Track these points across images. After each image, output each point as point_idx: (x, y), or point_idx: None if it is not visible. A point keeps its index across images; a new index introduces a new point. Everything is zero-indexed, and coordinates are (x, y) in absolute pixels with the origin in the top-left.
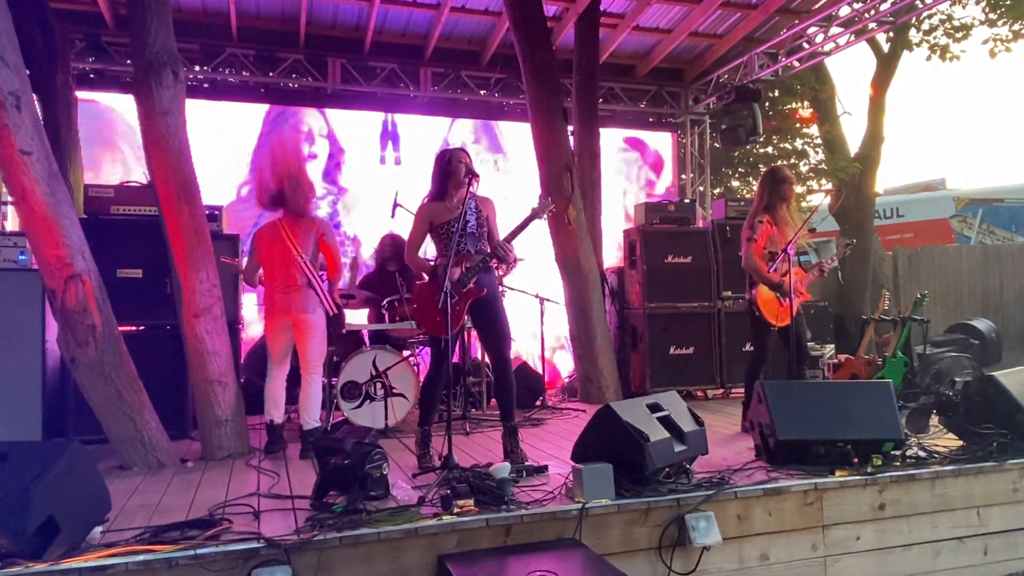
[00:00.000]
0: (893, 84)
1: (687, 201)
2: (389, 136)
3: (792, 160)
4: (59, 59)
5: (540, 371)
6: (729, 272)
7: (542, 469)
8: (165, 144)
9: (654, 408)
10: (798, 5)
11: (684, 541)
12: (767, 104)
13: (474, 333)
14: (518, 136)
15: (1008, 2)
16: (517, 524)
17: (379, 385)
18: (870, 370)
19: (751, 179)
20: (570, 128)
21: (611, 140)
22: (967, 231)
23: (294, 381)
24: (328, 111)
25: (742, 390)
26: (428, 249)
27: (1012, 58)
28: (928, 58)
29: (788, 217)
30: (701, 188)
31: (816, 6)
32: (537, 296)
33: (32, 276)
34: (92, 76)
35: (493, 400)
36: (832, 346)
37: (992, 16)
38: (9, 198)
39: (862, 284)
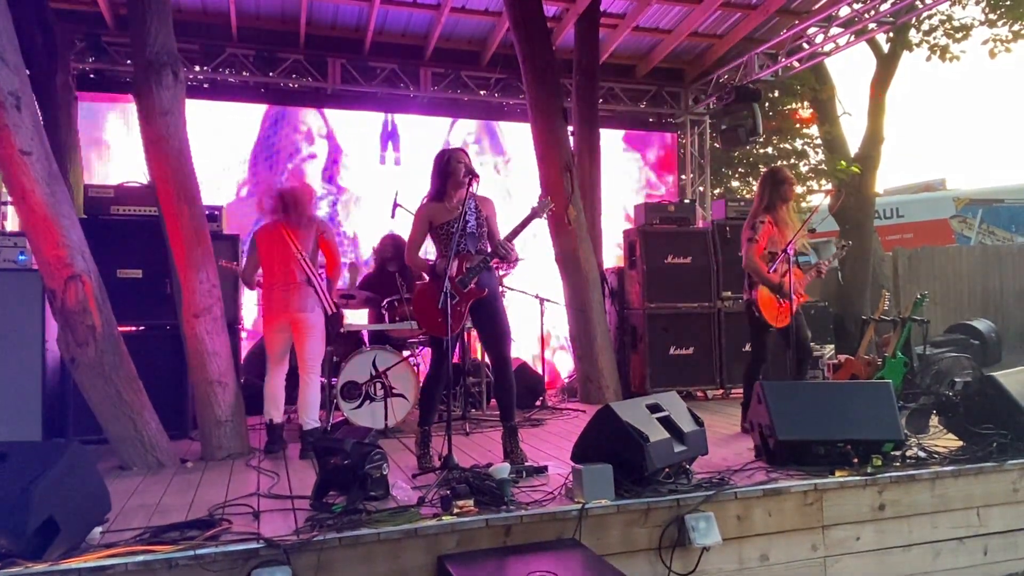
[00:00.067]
0: (893, 84)
1: (687, 201)
2: (389, 136)
3: (792, 160)
4: (59, 59)
5: (540, 371)
6: (729, 272)
7: (542, 469)
8: (165, 144)
9: (654, 408)
10: (798, 5)
11: (684, 542)
12: (767, 104)
13: (474, 333)
14: (519, 136)
15: (1008, 2)
16: (517, 524)
17: (379, 385)
18: (870, 370)
19: (751, 179)
20: (570, 128)
21: (611, 140)
22: (967, 231)
23: (294, 381)
24: (327, 111)
25: (742, 390)
26: (428, 249)
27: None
28: (928, 58)
29: (788, 218)
30: (701, 188)
31: (816, 6)
32: (537, 296)
33: (32, 276)
34: (92, 76)
35: (493, 400)
36: (832, 346)
37: (992, 16)
38: (9, 198)
39: (862, 284)
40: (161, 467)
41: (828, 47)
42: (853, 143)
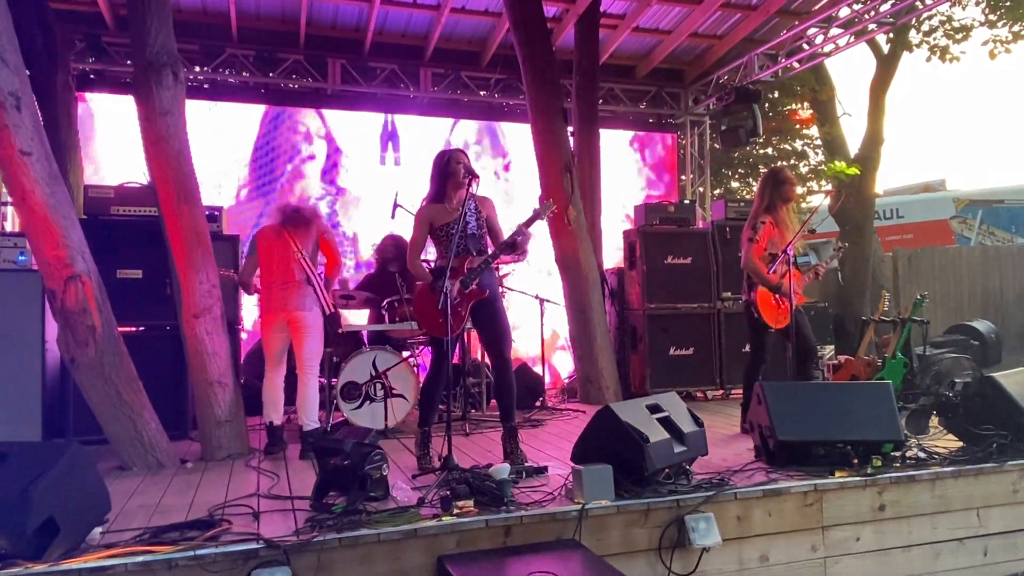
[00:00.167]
0: (893, 85)
1: (687, 202)
2: (389, 137)
3: (792, 161)
4: (59, 59)
5: (540, 372)
6: (729, 273)
7: (542, 470)
8: (165, 145)
9: (654, 409)
10: (798, 6)
11: (684, 542)
12: (767, 105)
13: (475, 334)
14: (521, 137)
15: (1008, 3)
16: (517, 525)
17: (379, 386)
18: (870, 371)
19: (751, 180)
20: (570, 129)
21: (611, 141)
22: (967, 232)
23: (293, 382)
24: (326, 112)
25: (741, 391)
26: (428, 250)
27: (1012, 59)
28: (928, 59)
29: (788, 219)
30: (701, 189)
31: (816, 7)
32: (537, 297)
33: (32, 276)
34: (92, 76)
35: (493, 401)
36: (832, 347)
37: (992, 17)
38: (9, 199)
39: (862, 285)
40: (161, 467)
41: (828, 48)
42: (853, 144)
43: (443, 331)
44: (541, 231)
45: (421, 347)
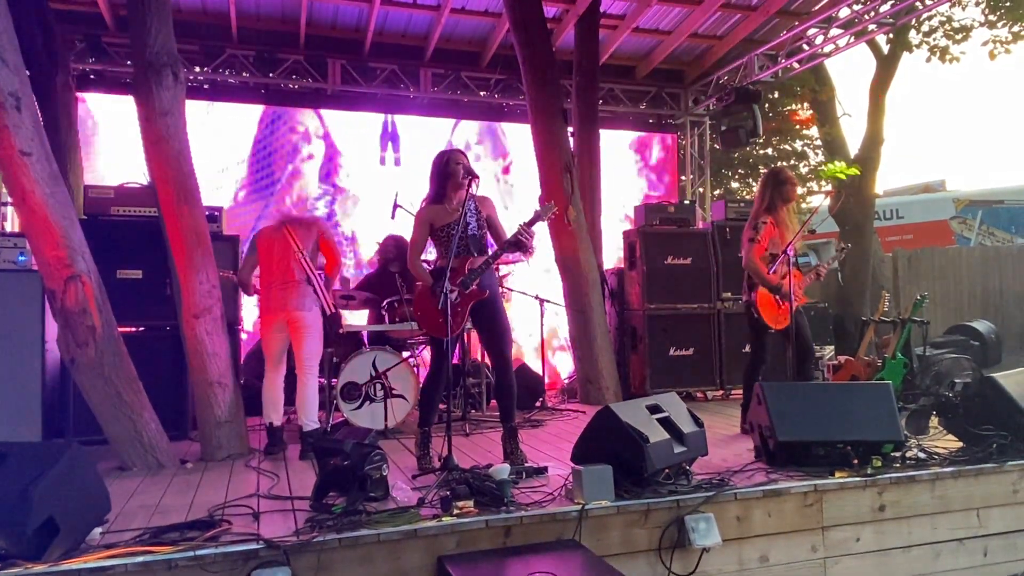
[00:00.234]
0: (893, 85)
1: (687, 202)
2: (389, 137)
3: (792, 162)
4: (59, 60)
5: (540, 372)
6: (729, 273)
7: (542, 470)
8: (165, 145)
9: (654, 409)
10: (798, 7)
11: (684, 542)
12: (767, 106)
13: (475, 334)
14: (523, 137)
15: (1008, 4)
16: (517, 525)
17: (379, 386)
18: (870, 371)
19: (751, 180)
20: (570, 129)
21: (611, 141)
22: (967, 232)
23: (293, 383)
24: (324, 112)
25: (741, 391)
26: (428, 251)
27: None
28: (928, 60)
29: (789, 219)
30: (701, 189)
31: (816, 8)
32: (537, 297)
33: (32, 277)
34: (92, 77)
35: (493, 401)
36: (832, 347)
37: (992, 18)
38: (9, 199)
39: (862, 285)
40: (161, 468)
41: (828, 48)
42: (853, 144)
43: (443, 331)
44: (541, 231)
45: (421, 347)
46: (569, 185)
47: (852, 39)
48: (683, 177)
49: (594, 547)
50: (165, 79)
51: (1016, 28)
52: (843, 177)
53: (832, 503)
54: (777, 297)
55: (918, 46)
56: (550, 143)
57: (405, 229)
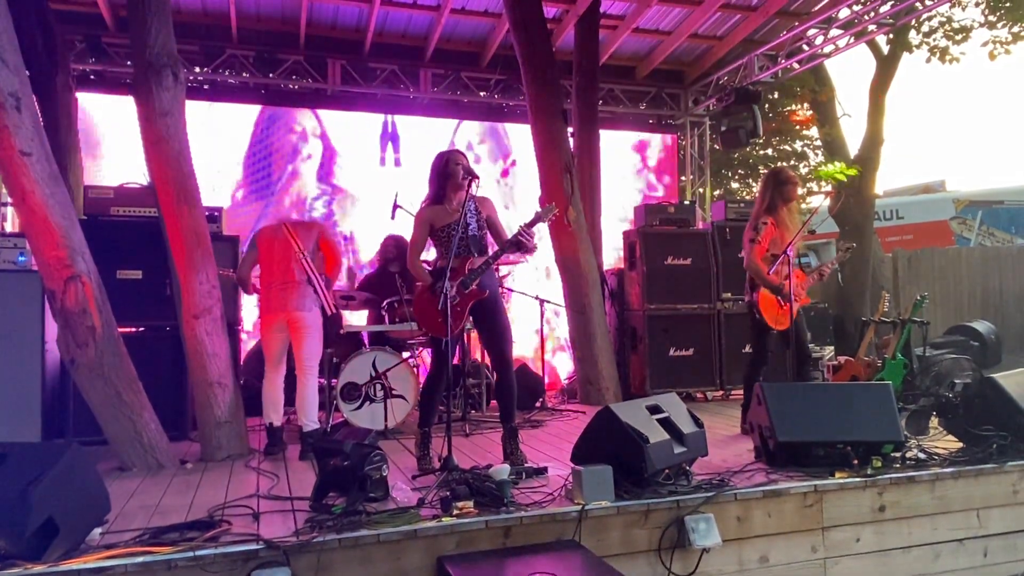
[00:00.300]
0: (893, 86)
1: (687, 203)
2: (389, 137)
3: (792, 162)
4: (59, 60)
5: (540, 372)
6: (729, 274)
7: (542, 471)
8: (165, 146)
9: (654, 410)
10: (798, 7)
11: (684, 543)
12: (767, 106)
13: (475, 334)
14: (525, 137)
15: (1007, 4)
16: (516, 526)
17: (379, 386)
18: (870, 372)
19: (751, 181)
20: (570, 129)
21: (611, 141)
22: (967, 233)
23: (293, 383)
24: (322, 112)
25: (741, 392)
26: (428, 251)
27: (1011, 60)
28: (928, 60)
29: (789, 219)
30: (701, 190)
31: (816, 8)
32: (537, 297)
33: (32, 277)
34: (92, 77)
35: (493, 401)
36: (832, 348)
37: (992, 18)
38: (9, 199)
39: (862, 286)
40: (161, 468)
41: (828, 49)
42: (853, 145)
43: (443, 331)
44: (541, 231)
45: (421, 348)
46: (569, 185)
47: (852, 39)
48: (683, 177)
49: (594, 547)
50: (165, 79)
51: (1016, 28)
52: (842, 178)
53: (832, 503)
54: (778, 298)
55: (918, 46)
56: (550, 143)
57: (405, 229)
